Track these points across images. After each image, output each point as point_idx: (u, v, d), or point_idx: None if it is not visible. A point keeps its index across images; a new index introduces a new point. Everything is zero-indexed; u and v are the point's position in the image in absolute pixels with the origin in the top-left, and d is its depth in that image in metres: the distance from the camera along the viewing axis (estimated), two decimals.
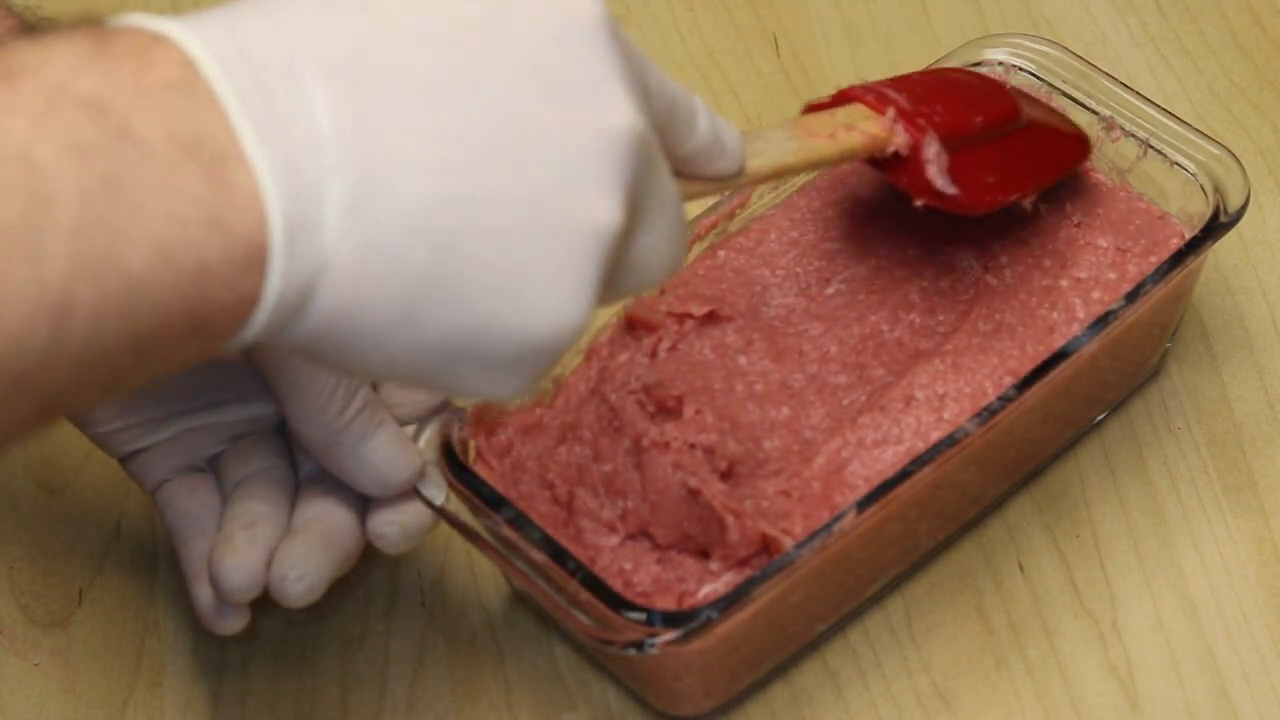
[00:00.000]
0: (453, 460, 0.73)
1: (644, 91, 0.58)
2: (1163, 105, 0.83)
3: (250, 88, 0.51)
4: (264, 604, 0.77)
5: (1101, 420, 0.82)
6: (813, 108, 0.75)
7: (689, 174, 0.64)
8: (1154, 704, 0.75)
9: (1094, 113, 0.83)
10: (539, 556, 0.70)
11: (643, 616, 0.69)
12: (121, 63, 0.50)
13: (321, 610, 0.78)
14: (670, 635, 0.68)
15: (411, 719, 0.76)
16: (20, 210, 0.48)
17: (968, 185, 0.75)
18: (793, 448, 0.74)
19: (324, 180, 0.51)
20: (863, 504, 0.71)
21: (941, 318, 0.78)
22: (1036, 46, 0.84)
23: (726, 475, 0.73)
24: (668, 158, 0.61)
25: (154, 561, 0.80)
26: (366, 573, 0.79)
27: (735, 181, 0.67)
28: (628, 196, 0.56)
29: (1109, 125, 0.82)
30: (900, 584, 0.78)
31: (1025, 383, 0.74)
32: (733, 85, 0.95)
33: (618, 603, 0.69)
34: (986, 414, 0.73)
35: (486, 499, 0.72)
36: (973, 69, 0.83)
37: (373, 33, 0.53)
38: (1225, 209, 0.79)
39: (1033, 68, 0.84)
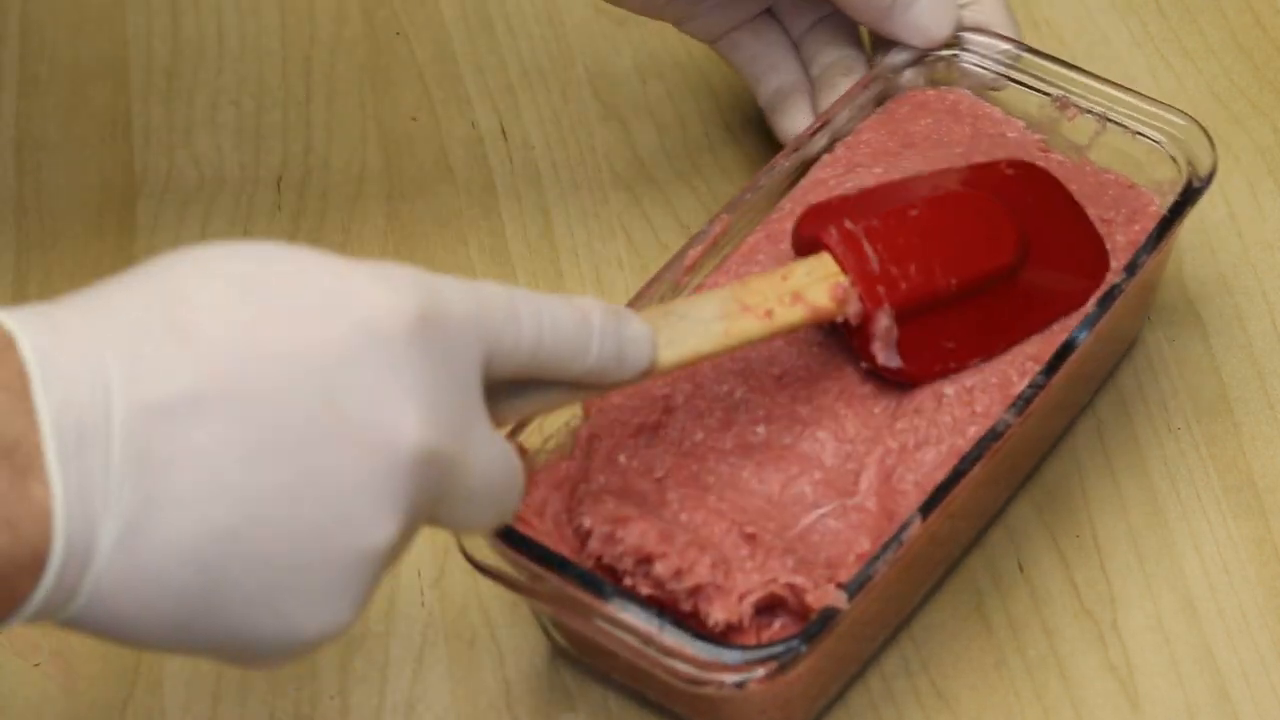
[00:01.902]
0: (503, 529, 0.70)
1: (486, 362, 0.60)
2: (1122, 83, 0.83)
3: (63, 407, 0.54)
4: None
5: (1101, 409, 0.83)
6: (799, 244, 0.74)
7: (586, 386, 0.65)
8: (1154, 704, 0.75)
9: (1045, 94, 0.83)
10: (610, 611, 0.69)
11: (739, 655, 0.68)
12: None
13: None
14: (764, 671, 0.68)
15: (411, 719, 0.76)
16: None
17: (916, 356, 0.74)
18: (841, 467, 0.74)
19: (105, 509, 0.54)
20: (925, 508, 0.71)
21: None
22: (978, 39, 0.85)
23: (751, 538, 0.72)
24: (551, 380, 0.64)
25: None
26: None
27: (642, 379, 0.66)
28: (410, 513, 0.58)
29: (1062, 104, 0.83)
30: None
31: (1052, 366, 0.74)
32: (733, 84, 0.95)
33: (712, 644, 0.68)
34: (1022, 402, 0.73)
35: (548, 562, 0.70)
36: (1014, 167, 0.80)
37: (179, 358, 0.55)
38: (1196, 173, 0.80)
39: (974, 59, 0.84)
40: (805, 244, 0.75)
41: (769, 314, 0.70)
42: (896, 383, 0.75)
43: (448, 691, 0.77)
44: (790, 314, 0.71)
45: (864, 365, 0.74)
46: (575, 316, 0.63)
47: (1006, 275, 0.76)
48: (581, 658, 0.76)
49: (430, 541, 0.80)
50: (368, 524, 0.57)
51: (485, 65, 0.97)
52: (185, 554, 0.55)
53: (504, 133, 0.94)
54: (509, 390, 0.64)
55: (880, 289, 0.73)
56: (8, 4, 1.00)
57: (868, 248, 0.73)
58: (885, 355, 0.73)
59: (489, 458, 0.61)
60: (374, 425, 0.57)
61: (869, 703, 0.76)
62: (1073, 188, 0.80)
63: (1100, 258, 0.78)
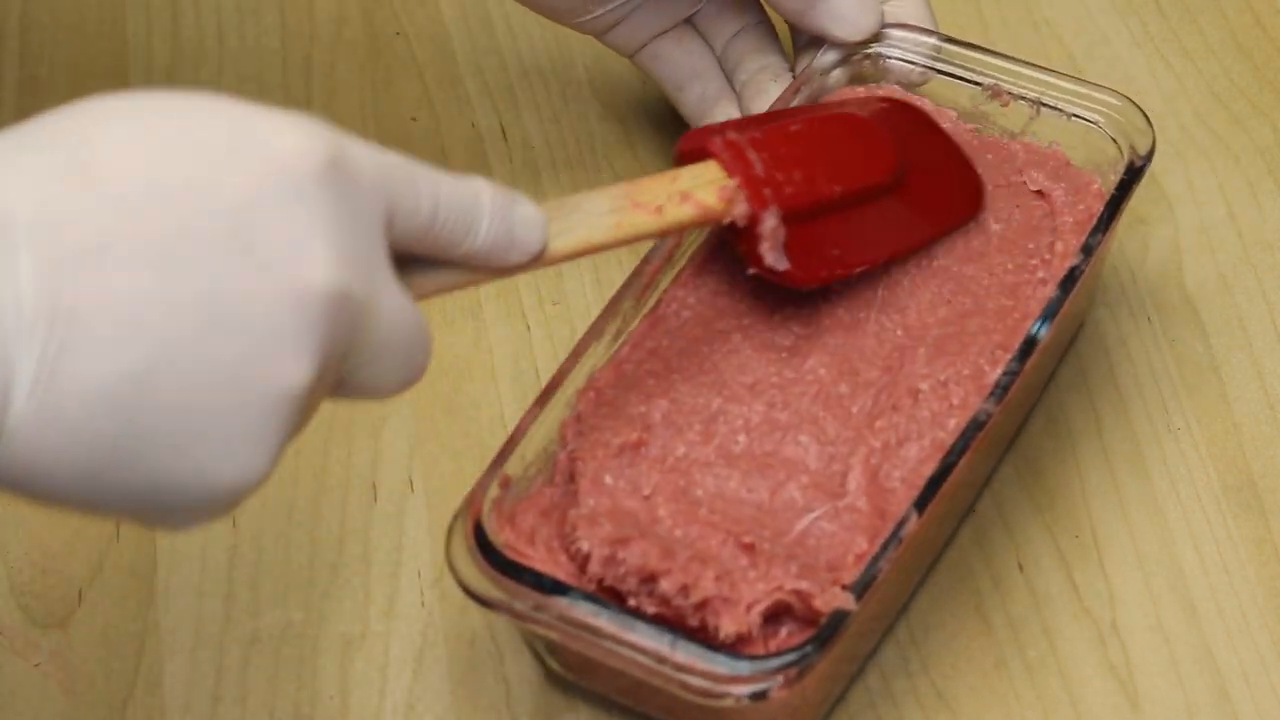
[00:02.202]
0: (500, 560, 0.71)
1: (388, 221, 0.60)
2: (1051, 67, 0.84)
3: None
4: (263, 603, 0.76)
5: (1100, 409, 0.83)
6: (684, 155, 0.75)
7: (472, 267, 0.65)
8: (1154, 704, 0.75)
9: (974, 84, 0.83)
10: (620, 633, 0.69)
11: (755, 666, 0.67)
12: None
13: (322, 610, 0.78)
14: (782, 678, 0.67)
15: (411, 719, 0.76)
16: None
17: (803, 260, 0.75)
18: (826, 470, 0.74)
19: (18, 352, 0.53)
20: (920, 503, 0.71)
21: (903, 304, 0.78)
22: (901, 34, 0.85)
23: (749, 548, 0.72)
24: (446, 256, 0.64)
25: (154, 561, 0.80)
26: (367, 572, 0.80)
27: (533, 266, 0.67)
28: (322, 354, 0.57)
29: (995, 92, 0.83)
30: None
31: (1024, 353, 0.75)
32: None
33: (726, 656, 0.68)
34: (1000, 391, 0.74)
35: (552, 589, 0.70)
36: (875, 103, 0.82)
37: (85, 201, 0.54)
38: (1136, 151, 0.80)
39: (898, 54, 0.84)
40: (688, 158, 0.76)
41: (659, 210, 0.72)
42: (851, 367, 0.75)
43: (448, 692, 0.77)
44: (680, 211, 0.72)
45: (751, 271, 0.75)
46: (468, 193, 0.64)
47: (888, 188, 0.78)
48: (579, 681, 0.76)
49: (430, 542, 0.80)
50: (281, 362, 0.56)
51: (485, 65, 0.97)
52: (99, 399, 0.54)
53: (504, 133, 0.94)
54: (409, 266, 0.64)
55: (766, 191, 0.74)
56: (8, 4, 1.00)
57: (752, 155, 0.75)
58: (773, 257, 0.74)
59: (397, 310, 0.61)
60: (285, 262, 0.56)
61: (869, 703, 0.76)
62: (1004, 163, 0.82)
63: (975, 184, 0.80)
